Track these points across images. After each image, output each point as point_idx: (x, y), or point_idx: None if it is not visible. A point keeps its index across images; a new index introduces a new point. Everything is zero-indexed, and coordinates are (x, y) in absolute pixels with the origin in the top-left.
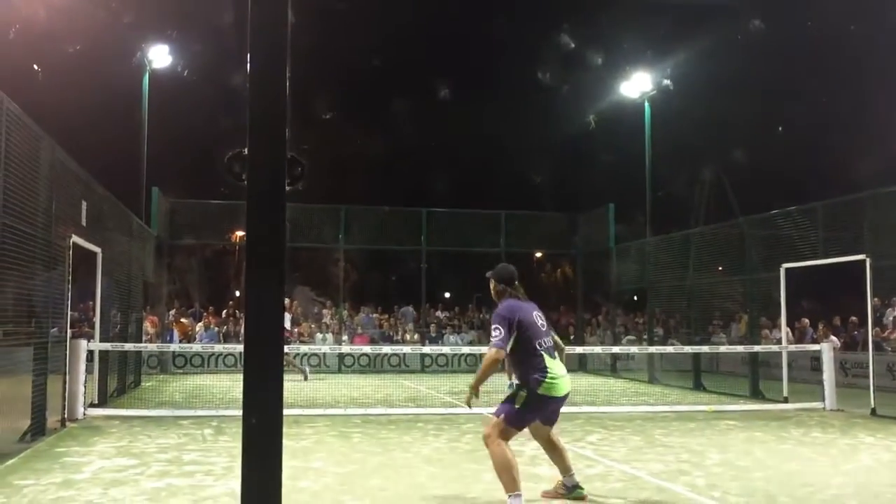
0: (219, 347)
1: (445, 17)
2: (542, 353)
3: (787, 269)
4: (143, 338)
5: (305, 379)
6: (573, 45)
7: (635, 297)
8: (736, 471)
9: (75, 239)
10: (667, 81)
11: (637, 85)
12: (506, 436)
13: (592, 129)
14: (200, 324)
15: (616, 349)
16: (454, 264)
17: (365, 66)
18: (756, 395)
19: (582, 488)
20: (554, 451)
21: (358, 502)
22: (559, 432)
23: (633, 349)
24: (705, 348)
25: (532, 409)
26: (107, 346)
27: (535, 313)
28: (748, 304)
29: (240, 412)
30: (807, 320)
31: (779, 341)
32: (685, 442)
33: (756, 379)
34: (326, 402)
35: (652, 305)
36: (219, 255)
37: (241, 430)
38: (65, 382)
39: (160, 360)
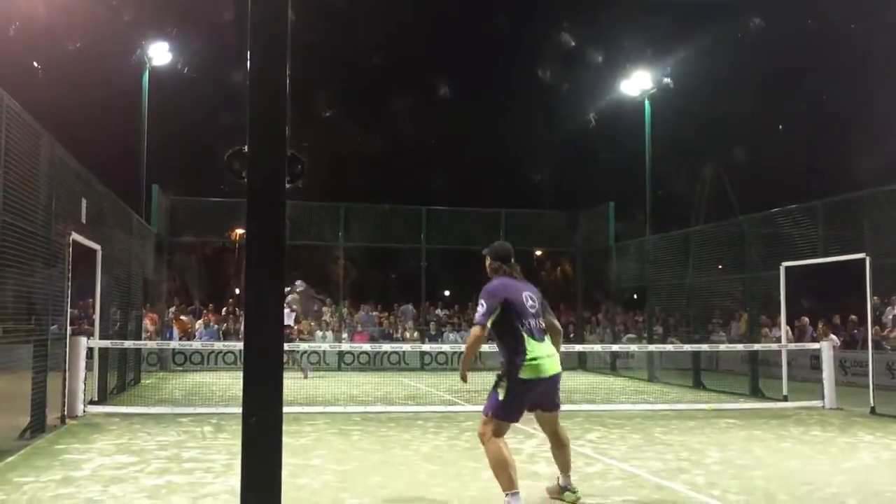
0: (218, 345)
1: (445, 15)
2: (524, 333)
3: (787, 268)
4: (143, 335)
5: (305, 377)
6: (573, 44)
7: (635, 296)
8: (735, 469)
9: (75, 236)
10: (667, 79)
11: (637, 83)
12: (499, 431)
13: (592, 127)
14: (200, 321)
15: (615, 347)
16: (454, 262)
17: (365, 64)
18: (756, 393)
19: (574, 491)
20: (558, 447)
21: (357, 500)
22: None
23: (633, 347)
24: (705, 346)
25: (517, 397)
26: (106, 343)
27: (525, 293)
28: (748, 302)
29: (239, 410)
30: (806, 319)
31: (778, 340)
32: (685, 440)
33: (756, 377)
34: (326, 399)
35: (652, 304)
36: (219, 252)
37: (240, 428)
38: (64, 379)
39: (160, 358)
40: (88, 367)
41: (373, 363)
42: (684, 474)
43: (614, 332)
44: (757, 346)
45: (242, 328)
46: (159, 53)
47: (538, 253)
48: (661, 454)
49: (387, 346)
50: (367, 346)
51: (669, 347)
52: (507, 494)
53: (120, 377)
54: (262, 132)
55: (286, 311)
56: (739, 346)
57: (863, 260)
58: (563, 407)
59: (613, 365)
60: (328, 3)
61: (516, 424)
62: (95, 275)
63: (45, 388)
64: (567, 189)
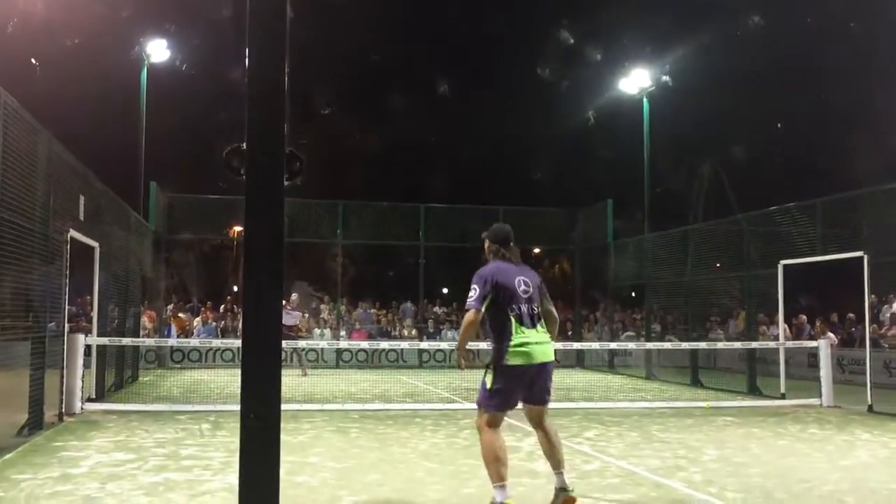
0: (216, 342)
1: (444, 13)
2: (512, 318)
3: (785, 266)
4: (141, 332)
5: (304, 374)
6: (572, 42)
7: (633, 293)
8: (733, 467)
9: (73, 233)
10: (665, 77)
11: (636, 81)
12: (492, 422)
13: (591, 125)
14: (198, 319)
15: (614, 345)
16: (452, 260)
17: (364, 62)
18: (753, 391)
19: (568, 490)
20: (546, 442)
21: (355, 497)
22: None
23: (631, 345)
24: (703, 344)
25: (505, 385)
26: (104, 340)
27: (518, 278)
28: (746, 300)
29: (237, 407)
30: (804, 317)
31: (776, 338)
32: (682, 438)
33: (753, 375)
34: (324, 397)
35: (650, 301)
36: (217, 249)
37: (238, 425)
38: (62, 377)
39: (158, 355)
40: (86, 365)
41: (371, 361)
42: (682, 472)
43: (612, 330)
44: (755, 344)
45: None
46: (157, 50)
47: (536, 250)
48: (658, 452)
49: (385, 344)
50: (365, 344)
51: (667, 345)
52: (494, 486)
53: (118, 374)
54: (260, 129)
55: (293, 311)
56: (737, 344)
57: (861, 258)
58: (561, 405)
59: (611, 363)
60: (327, 1)
61: (515, 422)
62: (93, 272)
63: (42, 386)
64: (566, 186)
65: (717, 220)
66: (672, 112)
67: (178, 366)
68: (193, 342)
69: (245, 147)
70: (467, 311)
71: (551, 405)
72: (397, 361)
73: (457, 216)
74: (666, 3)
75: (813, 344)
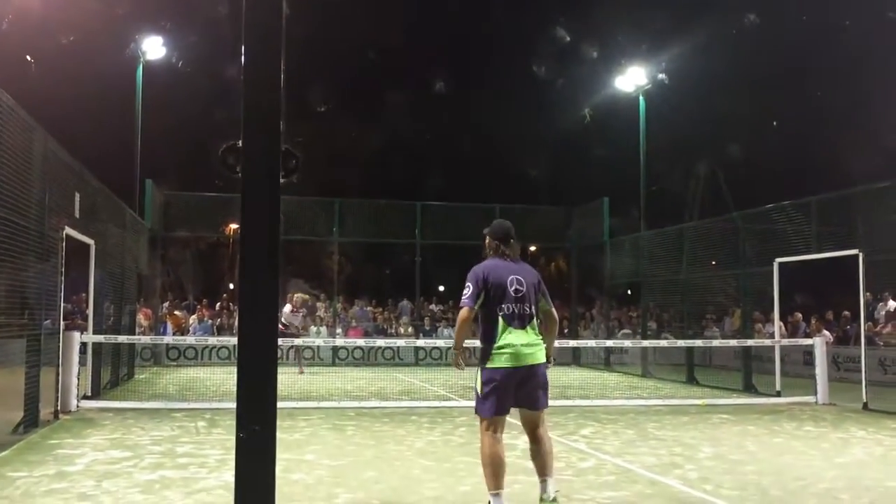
0: (212, 340)
1: (441, 11)
2: (501, 317)
3: (781, 264)
4: (137, 330)
5: (300, 372)
6: (568, 39)
7: (629, 291)
8: (728, 464)
9: (68, 231)
10: (662, 76)
11: (632, 79)
12: (490, 427)
13: (587, 123)
14: (194, 316)
15: (610, 343)
16: (449, 258)
17: (360, 59)
18: (749, 389)
19: (547, 502)
20: (535, 447)
21: (351, 495)
22: (552, 426)
23: (627, 343)
24: (699, 342)
25: (493, 388)
26: (100, 338)
27: (512, 277)
28: (741, 298)
29: (234, 404)
30: (800, 315)
31: (772, 335)
32: (678, 435)
33: (749, 373)
34: (320, 394)
35: (646, 299)
36: (213, 247)
37: (234, 423)
38: (58, 374)
39: (154, 353)
40: (82, 362)
41: (367, 358)
42: (677, 469)
43: (608, 328)
44: (750, 342)
45: (237, 323)
46: (153, 47)
47: (533, 248)
48: (654, 449)
49: (381, 342)
50: (361, 342)
51: (663, 343)
52: (489, 494)
53: (113, 372)
54: (256, 127)
55: (297, 312)
56: (733, 342)
57: (856, 256)
58: (557, 402)
59: (607, 360)
60: None
61: (509, 419)
62: (89, 269)
63: (38, 383)
64: (562, 185)
65: (712, 218)
66: (668, 110)
67: (174, 363)
68: (189, 340)
69: (241, 145)
70: (461, 308)
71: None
72: (394, 359)
73: (453, 214)
74: (662, 1)
75: (808, 342)
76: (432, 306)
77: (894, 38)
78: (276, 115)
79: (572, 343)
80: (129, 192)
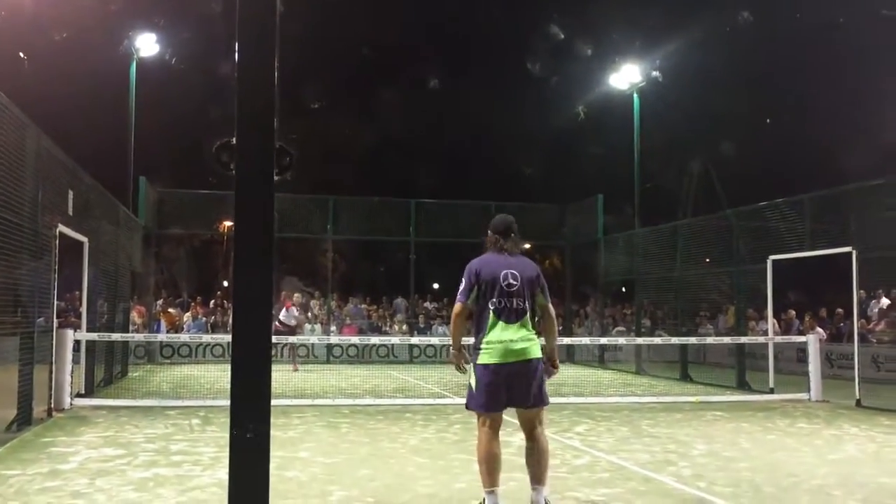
0: (206, 337)
1: (435, 7)
2: (492, 312)
3: (774, 261)
4: (131, 328)
5: (295, 369)
6: (563, 37)
7: (623, 289)
8: (722, 461)
9: (62, 228)
10: (656, 73)
11: (626, 76)
12: (484, 423)
13: (581, 121)
14: (188, 314)
15: (604, 340)
16: (443, 255)
17: (354, 56)
18: (742, 386)
19: None
20: (530, 451)
21: (346, 492)
22: (546, 423)
23: (621, 340)
24: (692, 339)
25: (482, 384)
26: (93, 336)
27: (505, 271)
28: (735, 295)
29: (227, 402)
30: (793, 312)
31: (765, 333)
32: (672, 432)
33: (742, 370)
34: (315, 392)
35: (640, 297)
36: (207, 245)
37: (228, 420)
38: (51, 372)
39: (147, 351)
40: (75, 360)
41: (361, 356)
42: (671, 466)
43: (602, 325)
44: (744, 339)
45: (231, 321)
46: (147, 44)
47: (527, 246)
48: (648, 446)
49: (375, 339)
50: (355, 339)
51: (657, 340)
52: (484, 491)
53: (107, 370)
54: (250, 124)
55: (293, 311)
56: (727, 339)
57: (849, 253)
58: (552, 399)
59: (602, 357)
60: None
61: (505, 416)
62: (82, 267)
63: (31, 381)
64: (556, 182)
65: (706, 216)
66: (663, 107)
67: (168, 361)
68: (183, 337)
69: (235, 142)
70: (455, 304)
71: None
72: (388, 356)
73: (447, 211)
74: None
75: (802, 339)
76: (427, 304)
77: (887, 35)
78: (270, 112)
79: (567, 340)
80: (122, 189)
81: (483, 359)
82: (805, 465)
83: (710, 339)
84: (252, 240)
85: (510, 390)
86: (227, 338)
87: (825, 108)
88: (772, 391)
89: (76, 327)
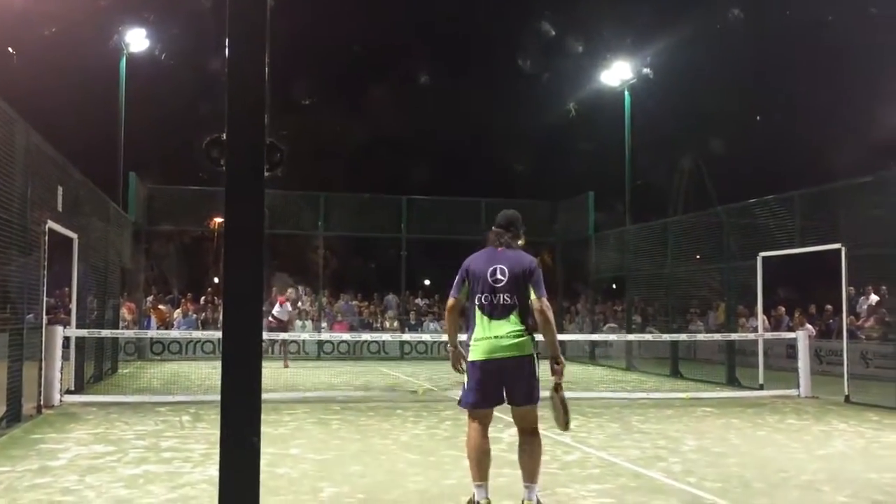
0: (197, 334)
1: (426, 4)
2: (478, 308)
3: (764, 258)
4: (121, 324)
5: (286, 366)
6: (554, 33)
7: (614, 285)
8: (712, 457)
9: (51, 224)
10: (647, 70)
11: (617, 73)
12: (473, 419)
13: (573, 118)
14: (178, 310)
15: (595, 336)
16: (434, 252)
17: (345, 52)
18: (732, 382)
19: None
20: (521, 448)
21: (336, 489)
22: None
23: (612, 336)
24: (683, 336)
25: (471, 381)
26: (83, 332)
27: (495, 266)
28: (725, 292)
29: (218, 399)
30: (783, 308)
31: (755, 329)
32: (662, 428)
33: (732, 366)
34: (306, 388)
35: (631, 293)
36: (197, 241)
37: (219, 417)
38: (41, 369)
39: (137, 347)
40: (65, 357)
41: (352, 352)
42: (661, 462)
43: (593, 322)
44: (734, 336)
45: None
46: (136, 40)
47: (519, 242)
48: (638, 442)
49: (366, 336)
50: (346, 336)
51: (648, 337)
52: (473, 484)
53: (97, 366)
54: (240, 120)
55: (287, 306)
56: (717, 336)
57: (838, 250)
58: (543, 395)
59: (592, 354)
60: None
61: (496, 413)
62: (72, 263)
63: (20, 378)
64: (547, 179)
65: (696, 213)
66: (653, 105)
67: (158, 358)
68: (173, 334)
69: (225, 138)
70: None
71: None
72: (379, 353)
73: (439, 208)
74: None
75: (791, 335)
76: (418, 300)
77: (876, 33)
78: (260, 108)
79: (557, 337)
80: (112, 185)
81: (471, 355)
82: (794, 461)
83: (700, 336)
84: (242, 236)
85: (501, 387)
86: (218, 334)
87: (815, 105)
88: (761, 387)
89: (66, 324)
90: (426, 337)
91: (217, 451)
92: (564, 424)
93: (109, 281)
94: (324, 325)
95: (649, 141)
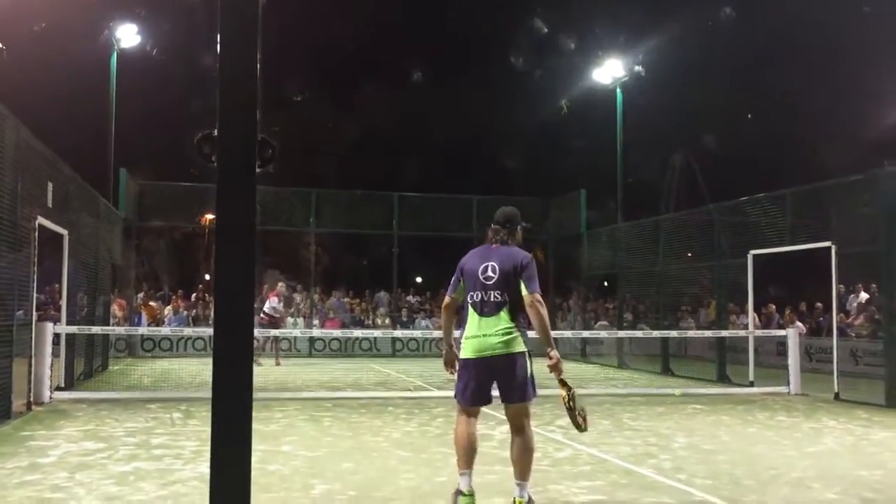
0: (188, 331)
1: (417, 1)
2: (470, 306)
3: (755, 256)
4: (111, 321)
5: (277, 363)
6: (546, 30)
7: (606, 283)
8: (702, 454)
9: (41, 220)
10: (639, 68)
11: (609, 71)
12: (460, 412)
13: (565, 115)
14: (169, 307)
15: (586, 333)
16: (426, 249)
17: (337, 49)
18: (723, 379)
19: None
20: (513, 445)
21: (328, 486)
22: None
23: (603, 334)
24: (674, 333)
25: (462, 377)
26: (73, 329)
27: (486, 263)
28: (716, 289)
29: (209, 395)
30: (773, 306)
31: (746, 327)
32: (653, 425)
33: (723, 363)
34: (297, 385)
35: (622, 291)
36: (188, 238)
37: (210, 414)
38: (31, 366)
39: (128, 344)
40: (55, 354)
41: (344, 349)
42: (652, 459)
43: (585, 319)
44: (724, 333)
45: (212, 314)
46: (128, 35)
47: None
48: (629, 439)
49: (358, 333)
50: (338, 333)
51: (639, 334)
52: (458, 472)
53: (87, 363)
54: (232, 116)
55: (276, 301)
56: (708, 333)
57: (829, 248)
58: (545, 393)
59: (584, 351)
60: None
61: (488, 410)
62: (62, 260)
63: (10, 374)
64: (539, 176)
65: (688, 211)
66: (645, 102)
67: (149, 354)
68: (164, 331)
69: (217, 134)
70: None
71: None
72: (371, 350)
73: (430, 205)
74: None
75: (781, 333)
76: (409, 297)
77: (868, 30)
78: (252, 104)
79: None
80: (103, 181)
81: (462, 353)
82: (784, 458)
83: (691, 333)
84: (234, 233)
85: (491, 385)
86: (209, 331)
87: (807, 103)
88: (752, 384)
89: (56, 320)
90: (418, 334)
91: (208, 448)
92: (577, 426)
93: (100, 277)
94: (315, 322)
95: (641, 139)
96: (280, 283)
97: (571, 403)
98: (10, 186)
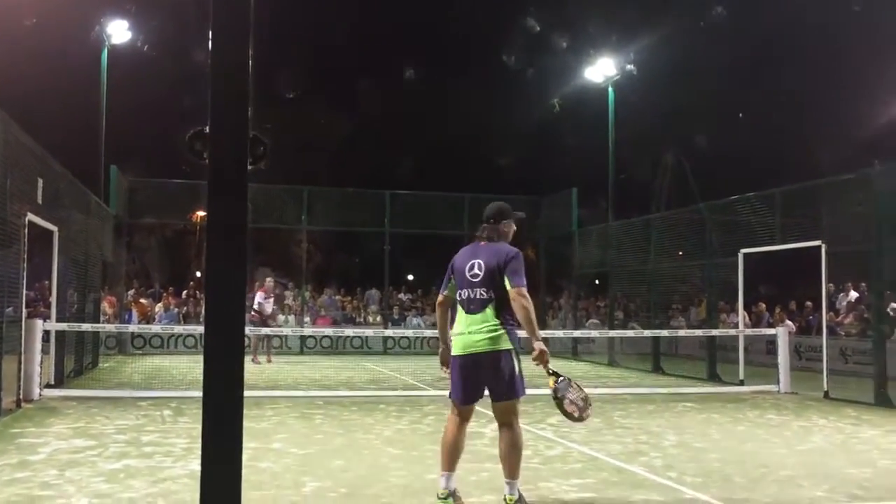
0: (178, 328)
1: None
2: (459, 304)
3: (745, 255)
4: (102, 318)
5: (269, 361)
6: (539, 30)
7: (597, 281)
8: (692, 452)
9: (31, 217)
10: (630, 66)
11: (601, 70)
12: (452, 412)
13: (556, 114)
14: (160, 304)
15: (577, 332)
16: (418, 247)
17: (330, 46)
18: (713, 378)
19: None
20: (500, 442)
21: (319, 483)
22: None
23: (594, 332)
24: (665, 332)
25: (454, 374)
26: (63, 326)
27: (473, 261)
28: (707, 288)
29: (199, 393)
30: (763, 305)
31: (736, 325)
32: (643, 424)
33: (713, 362)
34: (288, 383)
35: (613, 289)
36: (179, 234)
37: (200, 411)
38: (20, 363)
39: (118, 341)
40: (45, 351)
41: (335, 347)
42: (643, 457)
43: (576, 318)
44: (715, 332)
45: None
46: (119, 31)
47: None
48: (620, 437)
49: (349, 331)
50: (329, 331)
51: (630, 332)
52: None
53: (77, 360)
54: (223, 113)
55: (267, 297)
56: (698, 332)
57: (818, 247)
58: (528, 390)
59: (575, 349)
60: None
61: (478, 408)
62: (52, 256)
63: None
64: (530, 175)
65: (679, 209)
66: (637, 101)
67: (140, 352)
68: (155, 328)
69: (208, 130)
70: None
71: None
72: (362, 348)
73: (422, 203)
74: None
75: (771, 331)
76: (401, 295)
77: (860, 29)
78: (243, 101)
79: (540, 332)
80: (93, 177)
81: (452, 350)
82: (774, 456)
83: (681, 332)
84: (225, 230)
85: (480, 383)
86: (200, 329)
87: (798, 102)
88: (742, 383)
89: (46, 317)
90: (409, 332)
91: (198, 445)
92: (568, 416)
93: (90, 274)
94: (307, 319)
95: (633, 137)
96: (269, 279)
97: (558, 395)
98: None
